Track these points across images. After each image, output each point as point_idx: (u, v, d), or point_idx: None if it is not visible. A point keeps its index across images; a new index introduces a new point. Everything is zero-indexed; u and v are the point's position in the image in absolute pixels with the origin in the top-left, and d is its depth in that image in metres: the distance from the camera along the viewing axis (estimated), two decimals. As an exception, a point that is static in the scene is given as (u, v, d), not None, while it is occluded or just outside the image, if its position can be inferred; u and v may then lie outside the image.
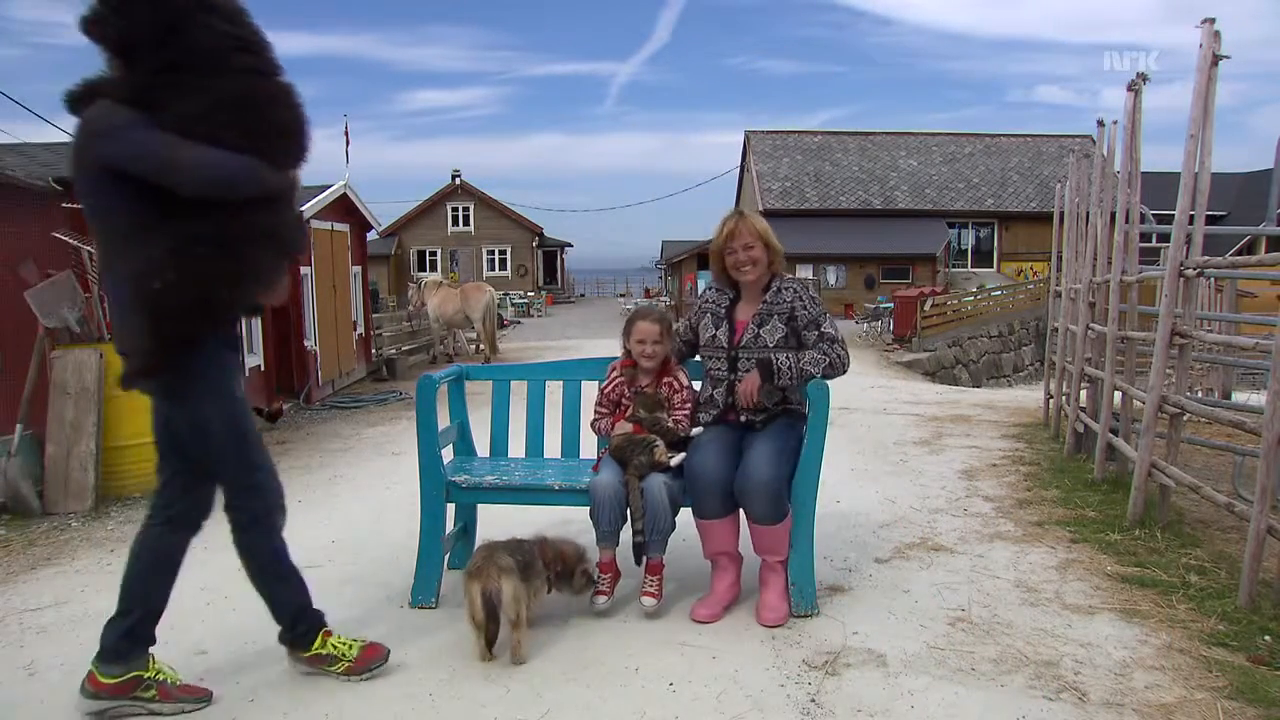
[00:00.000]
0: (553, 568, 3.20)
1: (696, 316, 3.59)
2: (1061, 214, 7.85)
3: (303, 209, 9.80)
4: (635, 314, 3.58)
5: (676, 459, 3.33)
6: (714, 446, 3.31)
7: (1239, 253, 10.09)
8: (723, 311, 3.48)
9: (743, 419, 3.40)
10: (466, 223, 39.95)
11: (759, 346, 3.36)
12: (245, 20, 2.47)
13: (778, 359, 3.29)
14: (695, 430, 3.44)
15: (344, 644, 2.85)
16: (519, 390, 3.98)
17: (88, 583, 3.87)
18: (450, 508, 3.61)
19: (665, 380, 3.51)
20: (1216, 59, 3.91)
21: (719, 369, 3.45)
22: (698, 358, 3.64)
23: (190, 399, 2.52)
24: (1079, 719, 2.58)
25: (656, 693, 2.76)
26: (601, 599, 3.34)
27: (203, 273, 2.37)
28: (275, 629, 2.85)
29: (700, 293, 3.71)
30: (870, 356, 17.94)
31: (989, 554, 4.07)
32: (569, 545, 3.30)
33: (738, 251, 3.38)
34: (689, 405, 3.50)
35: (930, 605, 3.45)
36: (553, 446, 3.93)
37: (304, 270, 10.30)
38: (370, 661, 2.85)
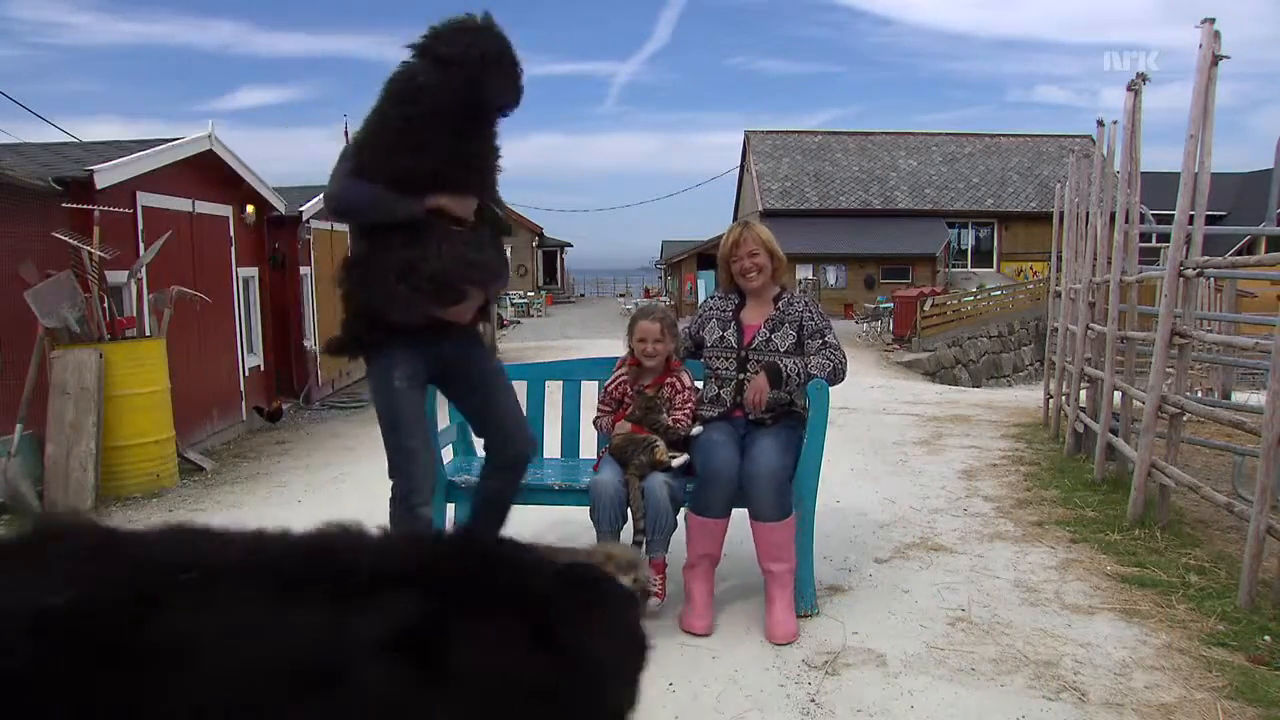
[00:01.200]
0: None
1: (699, 323, 3.63)
2: (1061, 214, 7.85)
3: (302, 210, 9.81)
4: (637, 313, 3.62)
5: (678, 460, 3.34)
6: (725, 445, 3.32)
7: (1239, 253, 10.09)
8: (729, 315, 3.55)
9: (750, 416, 3.42)
10: (466, 223, 39.94)
11: (770, 350, 3.43)
12: (465, 78, 2.57)
13: (785, 364, 3.33)
14: (695, 430, 3.44)
15: None
16: (519, 390, 3.97)
17: (87, 583, 3.87)
18: (450, 508, 3.61)
19: (667, 380, 3.52)
20: (1216, 59, 3.92)
21: (727, 369, 3.48)
22: (700, 360, 3.66)
23: (369, 378, 2.94)
24: (1079, 719, 2.59)
25: (656, 692, 2.76)
26: None
27: (351, 293, 2.77)
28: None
29: (702, 302, 3.77)
30: (870, 356, 17.94)
31: (989, 554, 4.07)
32: (620, 549, 3.16)
33: (743, 259, 3.49)
34: (690, 405, 3.51)
35: (930, 605, 3.45)
36: (552, 446, 3.93)
37: (303, 270, 10.30)
38: None
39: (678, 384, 3.53)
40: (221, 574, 1.25)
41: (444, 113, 2.62)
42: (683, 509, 3.36)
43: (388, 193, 2.63)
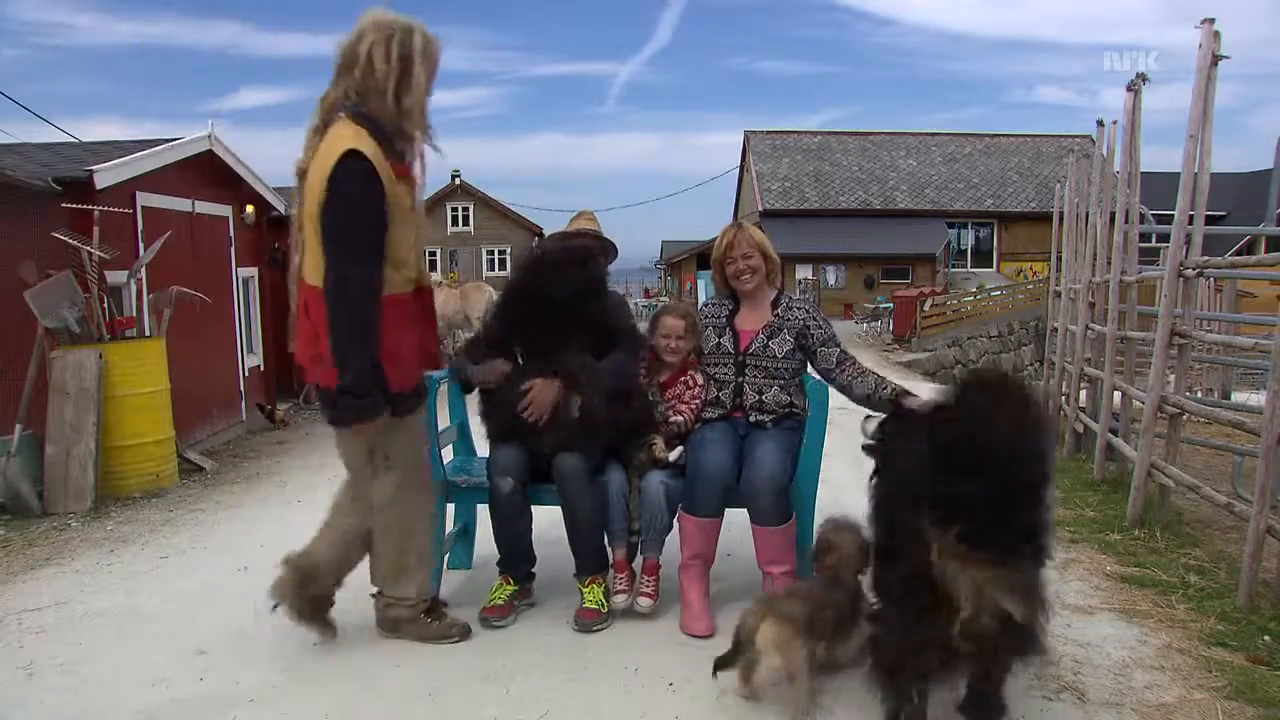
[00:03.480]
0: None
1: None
2: (1061, 214, 7.86)
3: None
4: (663, 309, 3.64)
5: (674, 453, 3.35)
6: (718, 444, 3.32)
7: (1239, 253, 10.10)
8: (723, 321, 3.55)
9: (751, 419, 3.42)
10: (466, 223, 39.94)
11: (767, 356, 3.42)
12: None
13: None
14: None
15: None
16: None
17: (87, 583, 3.87)
18: (450, 508, 3.61)
19: (681, 379, 3.53)
20: (1216, 59, 3.92)
21: (725, 374, 3.49)
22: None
23: None
24: (1079, 719, 2.59)
25: (656, 693, 2.76)
26: (620, 597, 3.33)
27: None
28: (271, 629, 2.88)
29: (699, 307, 3.77)
30: (870, 357, 17.92)
31: (989, 554, 4.06)
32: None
33: (737, 261, 3.48)
34: (697, 402, 3.51)
35: (930, 605, 3.44)
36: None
37: (304, 270, 10.28)
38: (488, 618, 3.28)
39: (690, 380, 3.54)
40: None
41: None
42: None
43: None
